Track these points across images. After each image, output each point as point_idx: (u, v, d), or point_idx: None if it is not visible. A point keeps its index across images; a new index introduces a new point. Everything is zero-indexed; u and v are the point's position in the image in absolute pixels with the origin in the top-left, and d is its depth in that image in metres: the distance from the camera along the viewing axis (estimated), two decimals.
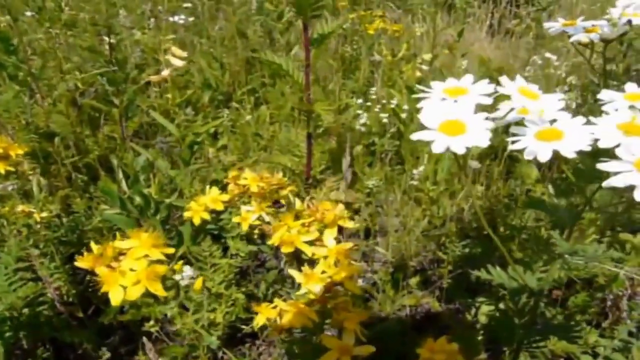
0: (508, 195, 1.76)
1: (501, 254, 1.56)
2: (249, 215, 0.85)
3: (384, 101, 1.90)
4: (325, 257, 0.72)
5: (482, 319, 1.37)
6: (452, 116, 0.56)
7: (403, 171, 1.87)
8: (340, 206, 0.75)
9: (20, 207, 0.98)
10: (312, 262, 0.75)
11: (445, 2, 2.70)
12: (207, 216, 0.88)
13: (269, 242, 0.76)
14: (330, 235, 0.73)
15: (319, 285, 0.68)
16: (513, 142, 0.56)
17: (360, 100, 1.76)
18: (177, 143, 1.29)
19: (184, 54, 1.07)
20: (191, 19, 2.32)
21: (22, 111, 1.53)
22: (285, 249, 0.73)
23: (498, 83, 2.13)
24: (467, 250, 1.50)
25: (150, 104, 1.79)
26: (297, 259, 1.51)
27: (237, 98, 2.09)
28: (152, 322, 1.16)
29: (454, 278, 1.48)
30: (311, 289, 0.67)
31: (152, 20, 2.20)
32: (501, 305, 1.41)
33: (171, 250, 0.69)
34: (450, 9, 2.78)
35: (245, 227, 0.85)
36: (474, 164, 1.46)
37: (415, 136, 0.55)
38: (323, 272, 0.69)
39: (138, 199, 1.00)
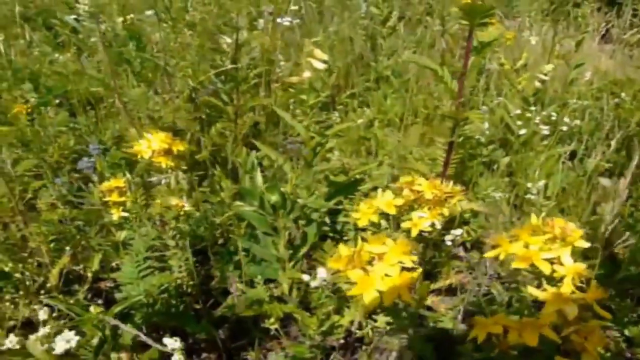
0: (628, 215, 1.66)
1: (625, 277, 1.48)
2: (421, 221, 0.84)
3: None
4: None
5: None
6: None
7: (512, 183, 1.81)
8: (572, 225, 0.72)
9: (174, 201, 1.02)
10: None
11: (554, 10, 2.60)
12: (376, 219, 0.88)
13: (490, 255, 0.75)
14: (567, 253, 0.70)
15: (572, 306, 0.65)
16: None
17: (484, 108, 1.72)
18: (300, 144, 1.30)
19: (325, 57, 1.08)
20: (296, 20, 2.35)
21: (147, 107, 1.60)
22: (518, 264, 0.71)
23: (617, 96, 2.00)
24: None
25: (260, 102, 1.83)
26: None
27: (340, 101, 2.09)
28: (272, 320, 1.17)
29: None
30: (565, 310, 0.65)
31: (261, 21, 2.24)
32: (626, 332, 1.34)
33: (414, 258, 0.70)
34: (558, 15, 2.67)
35: (415, 233, 0.84)
36: (606, 181, 1.38)
37: None
38: (573, 292, 0.67)
39: (274, 198, 1.01)
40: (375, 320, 1.23)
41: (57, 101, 1.82)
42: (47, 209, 1.39)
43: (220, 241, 1.48)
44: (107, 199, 1.05)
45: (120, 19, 2.10)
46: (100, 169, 1.19)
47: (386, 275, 0.68)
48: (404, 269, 0.69)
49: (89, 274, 1.21)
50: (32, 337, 0.71)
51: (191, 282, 1.33)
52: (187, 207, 1.05)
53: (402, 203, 0.87)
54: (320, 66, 1.07)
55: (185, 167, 1.09)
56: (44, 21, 2.59)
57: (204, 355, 1.33)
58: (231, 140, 1.75)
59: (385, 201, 0.87)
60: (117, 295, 1.28)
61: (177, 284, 1.30)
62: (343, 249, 0.73)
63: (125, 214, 1.05)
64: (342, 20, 2.44)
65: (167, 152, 1.00)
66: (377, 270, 0.68)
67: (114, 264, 1.38)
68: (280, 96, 1.94)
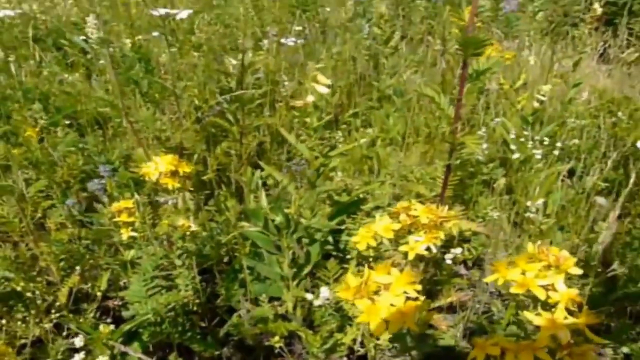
0: (625, 233, 1.68)
1: (623, 294, 1.50)
2: (417, 245, 0.87)
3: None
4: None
5: None
6: None
7: (512, 201, 1.83)
8: (565, 252, 0.76)
9: (181, 221, 1.05)
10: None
11: (552, 30, 2.65)
12: (374, 243, 0.91)
13: (489, 280, 0.78)
14: (561, 280, 0.74)
15: (565, 331, 0.68)
16: None
17: (482, 131, 1.76)
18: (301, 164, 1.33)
19: (329, 82, 1.11)
20: (300, 41, 2.40)
21: (154, 127, 1.64)
22: (515, 290, 0.75)
23: (614, 115, 2.05)
24: (586, 288, 1.45)
25: (265, 122, 1.86)
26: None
27: (343, 120, 2.13)
28: (277, 338, 1.20)
29: None
30: (558, 335, 0.68)
31: (265, 42, 2.29)
32: (624, 349, 1.36)
33: (419, 287, 0.74)
34: (557, 35, 2.71)
35: (411, 256, 0.86)
36: (602, 200, 1.41)
37: None
38: (566, 317, 0.70)
39: (278, 218, 1.04)
40: (378, 339, 1.25)
41: (68, 122, 1.86)
42: (57, 228, 1.43)
43: (225, 260, 1.51)
44: (117, 219, 1.08)
45: (128, 40, 2.15)
46: (110, 190, 1.23)
47: (392, 304, 0.72)
48: (408, 298, 0.73)
49: (98, 293, 1.24)
50: None
51: (197, 301, 1.36)
52: (194, 227, 1.08)
53: (399, 228, 0.90)
54: (324, 91, 1.11)
55: (191, 188, 1.12)
56: (54, 42, 2.65)
57: None
58: (236, 159, 1.79)
59: (383, 226, 0.90)
60: (125, 314, 1.31)
61: (184, 303, 1.33)
62: (351, 279, 0.76)
63: (134, 234, 1.08)
64: (344, 41, 2.48)
65: (174, 174, 1.04)
66: (383, 299, 0.72)
67: (121, 283, 1.41)
68: (284, 116, 1.98)
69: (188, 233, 1.08)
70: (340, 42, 2.52)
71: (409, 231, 0.91)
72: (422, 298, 0.74)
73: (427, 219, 0.89)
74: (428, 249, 0.88)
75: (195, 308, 1.35)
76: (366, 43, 2.47)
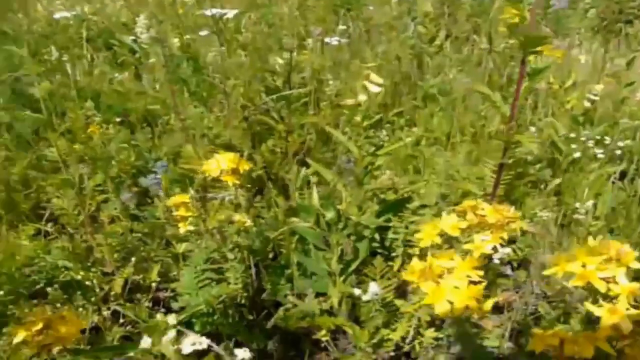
0: None
1: None
2: (483, 244, 0.87)
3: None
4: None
5: None
6: None
7: (560, 203, 1.80)
8: (627, 247, 0.76)
9: (237, 217, 1.09)
10: None
11: (605, 27, 2.58)
12: (438, 240, 0.91)
13: (548, 273, 0.79)
14: (622, 273, 0.74)
15: (627, 321, 0.69)
16: None
17: (531, 131, 1.73)
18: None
19: (380, 81, 1.12)
20: (344, 40, 2.41)
21: (203, 125, 1.68)
22: (575, 282, 0.76)
23: None
24: None
25: (312, 120, 1.88)
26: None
27: (387, 119, 2.13)
28: (323, 332, 1.21)
29: None
30: (620, 325, 0.69)
31: (309, 41, 2.32)
32: None
33: (481, 273, 0.75)
34: (609, 33, 2.65)
35: (477, 256, 0.86)
36: None
37: None
38: (627, 308, 0.70)
39: (329, 214, 1.06)
40: (423, 335, 1.26)
41: (119, 120, 1.92)
42: (110, 221, 1.48)
43: (271, 255, 1.54)
44: (175, 213, 1.12)
45: (176, 40, 2.21)
46: (165, 186, 1.27)
47: (455, 287, 0.75)
48: (471, 282, 0.75)
49: (153, 284, 1.28)
50: (164, 338, 0.80)
51: (245, 294, 1.38)
52: (249, 223, 1.11)
53: (466, 226, 0.90)
54: (376, 89, 1.12)
55: (247, 185, 1.16)
56: (105, 42, 2.74)
57: None
58: (282, 157, 1.81)
59: (450, 224, 0.90)
60: (174, 305, 1.35)
61: (233, 295, 1.36)
62: (416, 264, 0.80)
63: (191, 228, 1.12)
64: (389, 40, 2.48)
65: (234, 172, 1.07)
66: (447, 282, 0.76)
67: (171, 275, 1.45)
68: (329, 114, 2.00)
69: (242, 228, 1.12)
70: (385, 41, 2.52)
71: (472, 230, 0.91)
72: (485, 283, 0.76)
73: (494, 218, 0.89)
74: (494, 248, 0.87)
75: (243, 301, 1.38)
76: (411, 42, 2.47)
